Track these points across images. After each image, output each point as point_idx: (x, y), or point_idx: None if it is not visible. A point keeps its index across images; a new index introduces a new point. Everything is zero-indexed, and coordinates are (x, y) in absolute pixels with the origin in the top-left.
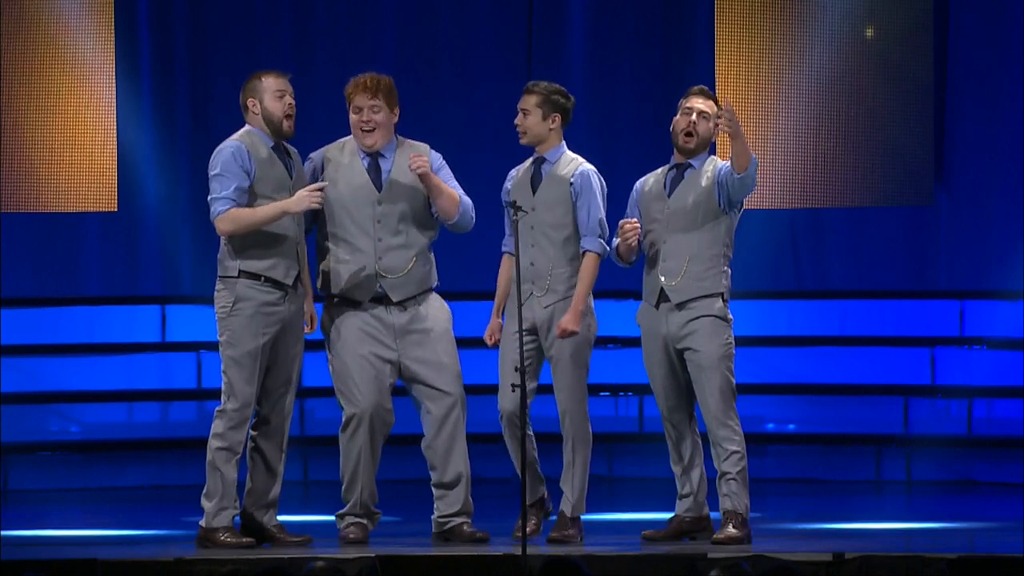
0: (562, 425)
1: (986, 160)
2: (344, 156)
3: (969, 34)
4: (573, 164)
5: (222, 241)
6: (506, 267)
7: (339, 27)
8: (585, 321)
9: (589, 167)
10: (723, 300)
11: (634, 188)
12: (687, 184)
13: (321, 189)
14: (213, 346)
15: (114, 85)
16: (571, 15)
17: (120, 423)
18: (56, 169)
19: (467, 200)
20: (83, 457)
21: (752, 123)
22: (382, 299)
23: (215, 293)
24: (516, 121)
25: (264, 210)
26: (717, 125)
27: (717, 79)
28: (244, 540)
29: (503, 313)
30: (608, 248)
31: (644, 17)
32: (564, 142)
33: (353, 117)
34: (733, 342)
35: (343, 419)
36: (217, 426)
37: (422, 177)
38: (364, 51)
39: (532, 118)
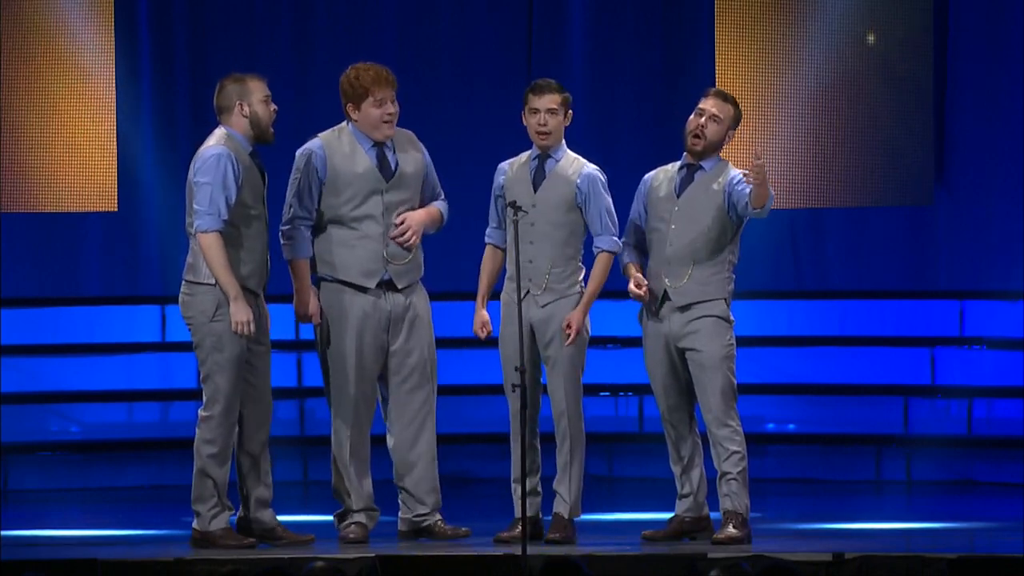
0: (557, 427)
1: (986, 160)
2: (344, 144)
3: (969, 34)
4: (577, 164)
5: (195, 246)
6: (490, 258)
7: (339, 27)
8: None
9: (592, 167)
10: (725, 303)
11: (643, 180)
12: (696, 187)
13: (249, 334)
14: None
15: (114, 85)
16: (571, 15)
17: (120, 423)
18: (56, 169)
19: (445, 206)
20: (83, 457)
21: (752, 123)
22: (386, 285)
23: (184, 299)
24: (540, 121)
25: (225, 275)
26: (728, 133)
27: (717, 79)
28: (246, 540)
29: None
30: (620, 247)
31: (644, 17)
32: (564, 139)
33: (376, 111)
34: (735, 343)
35: (332, 408)
36: (205, 432)
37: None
38: (364, 51)
39: (558, 117)
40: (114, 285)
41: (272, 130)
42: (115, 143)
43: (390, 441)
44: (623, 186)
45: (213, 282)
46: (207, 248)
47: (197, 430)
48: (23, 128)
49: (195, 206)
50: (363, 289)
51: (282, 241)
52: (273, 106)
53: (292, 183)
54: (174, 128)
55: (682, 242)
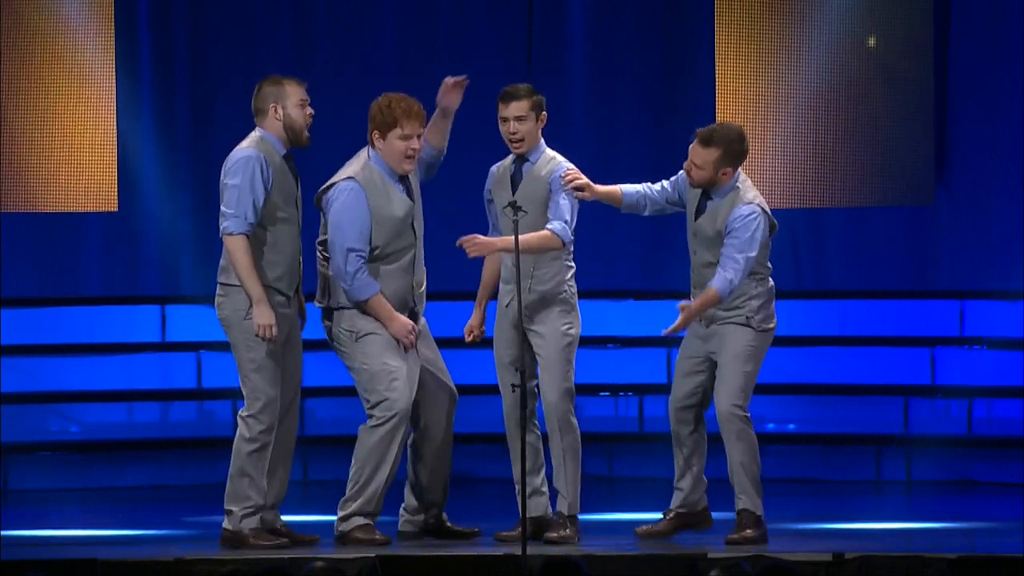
0: (548, 423)
1: (986, 160)
2: (377, 184)
3: (969, 34)
4: (552, 163)
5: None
6: (490, 263)
7: (339, 27)
8: (567, 320)
9: (567, 165)
10: (750, 314)
11: (680, 175)
12: (708, 217)
13: (271, 339)
14: (213, 346)
15: (114, 85)
16: (571, 15)
17: (120, 423)
18: (56, 169)
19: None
20: (83, 457)
21: (752, 123)
22: (411, 313)
23: (219, 300)
24: (510, 130)
25: (249, 278)
26: (720, 170)
27: (717, 79)
28: (278, 540)
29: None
30: (570, 239)
31: (644, 17)
32: (543, 140)
33: (401, 143)
34: (758, 345)
35: (377, 417)
36: (244, 431)
37: None
38: (364, 51)
39: (528, 123)
40: (114, 285)
41: (307, 134)
42: (115, 143)
43: (415, 440)
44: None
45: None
46: (232, 251)
47: (237, 429)
48: (23, 128)
49: (223, 208)
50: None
51: (353, 285)
52: (310, 110)
53: (347, 223)
54: (174, 128)
55: (702, 268)
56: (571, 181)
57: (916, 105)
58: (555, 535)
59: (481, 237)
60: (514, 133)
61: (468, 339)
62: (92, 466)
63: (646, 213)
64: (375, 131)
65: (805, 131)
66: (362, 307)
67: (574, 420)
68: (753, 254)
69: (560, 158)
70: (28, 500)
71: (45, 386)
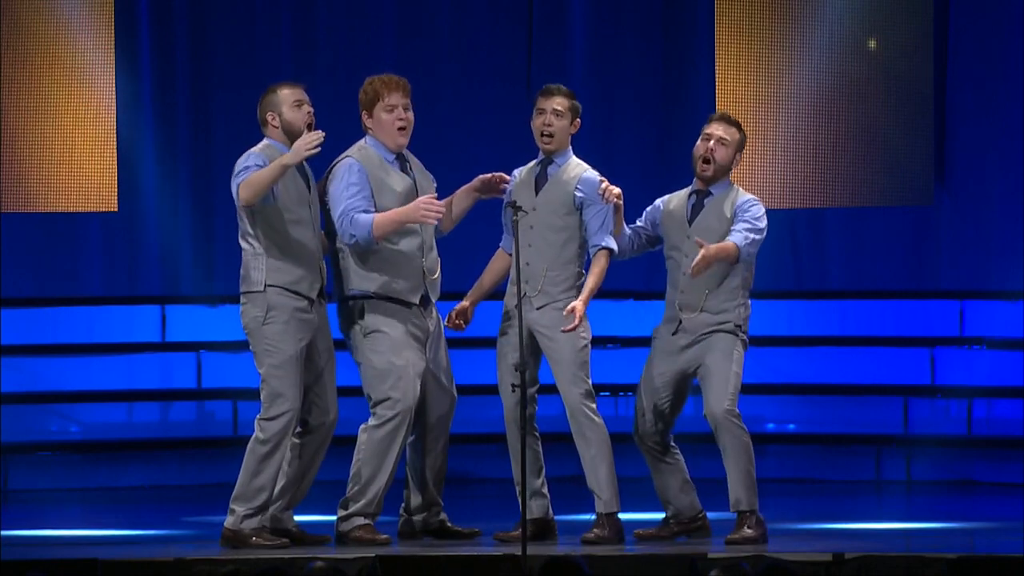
0: (572, 425)
1: (986, 160)
2: (374, 159)
3: (969, 34)
4: (579, 169)
5: (245, 257)
6: (497, 260)
7: (339, 28)
8: (580, 324)
9: (594, 173)
10: (738, 329)
11: (655, 205)
12: (707, 213)
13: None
14: (213, 346)
15: (114, 85)
16: (571, 15)
17: (120, 423)
18: (56, 169)
19: None
20: (83, 457)
21: (752, 123)
22: (423, 300)
23: (241, 308)
24: (545, 122)
25: (272, 170)
26: (736, 156)
27: (717, 79)
28: (279, 540)
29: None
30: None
31: (644, 18)
32: (571, 147)
33: (388, 116)
34: (742, 353)
35: (379, 416)
36: (260, 433)
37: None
38: (364, 52)
39: (563, 120)
40: (114, 285)
41: (310, 130)
42: (115, 143)
43: (414, 440)
44: (622, 188)
45: (262, 288)
46: (245, 190)
47: (254, 432)
48: (23, 128)
49: (235, 194)
50: (408, 304)
51: (353, 231)
52: (308, 108)
53: (343, 190)
54: (174, 128)
55: (705, 277)
56: (612, 192)
57: (916, 105)
58: (591, 535)
59: (577, 305)
60: (548, 126)
61: (447, 323)
62: (92, 466)
63: (627, 256)
64: (363, 112)
65: (805, 131)
66: (376, 238)
67: (598, 419)
68: (764, 230)
69: (586, 165)
70: (28, 500)
71: (45, 386)
